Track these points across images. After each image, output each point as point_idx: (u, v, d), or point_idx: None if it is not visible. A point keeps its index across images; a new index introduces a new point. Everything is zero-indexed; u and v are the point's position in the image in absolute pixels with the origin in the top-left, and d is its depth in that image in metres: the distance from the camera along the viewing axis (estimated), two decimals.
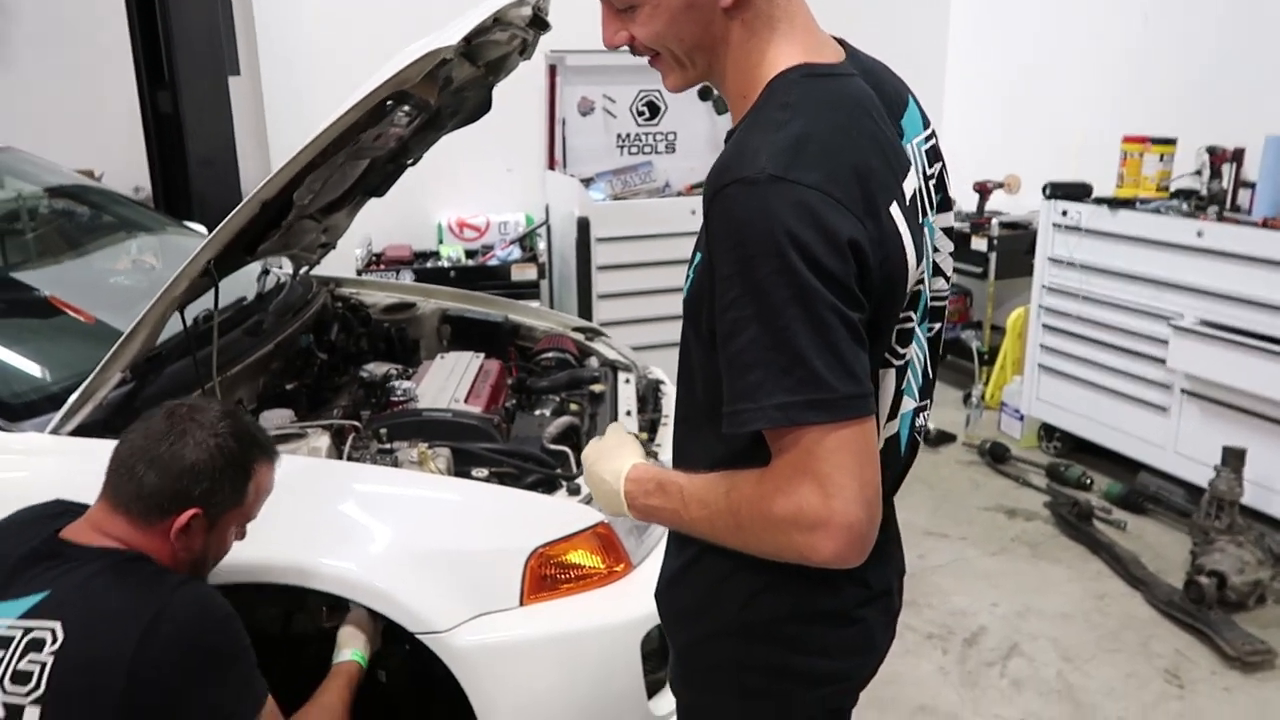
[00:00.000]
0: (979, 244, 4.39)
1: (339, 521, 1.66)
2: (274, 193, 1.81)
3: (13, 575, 1.33)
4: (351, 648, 1.63)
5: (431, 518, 1.72)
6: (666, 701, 1.86)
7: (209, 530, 1.42)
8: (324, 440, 1.86)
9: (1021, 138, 4.80)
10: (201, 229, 2.90)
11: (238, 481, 1.43)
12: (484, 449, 1.90)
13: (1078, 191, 3.76)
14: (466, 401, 2.12)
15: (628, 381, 2.51)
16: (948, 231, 1.17)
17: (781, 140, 0.91)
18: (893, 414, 1.08)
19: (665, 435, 2.23)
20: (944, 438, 4.15)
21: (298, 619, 1.82)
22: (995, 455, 3.92)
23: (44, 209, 2.88)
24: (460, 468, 1.87)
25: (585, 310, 4.16)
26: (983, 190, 4.63)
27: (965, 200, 4.77)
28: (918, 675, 2.60)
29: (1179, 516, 3.36)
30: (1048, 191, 3.81)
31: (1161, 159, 3.63)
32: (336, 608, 1.73)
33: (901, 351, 1.05)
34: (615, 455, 1.14)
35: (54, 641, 1.25)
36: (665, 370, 2.55)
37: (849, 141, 0.95)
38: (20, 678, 1.23)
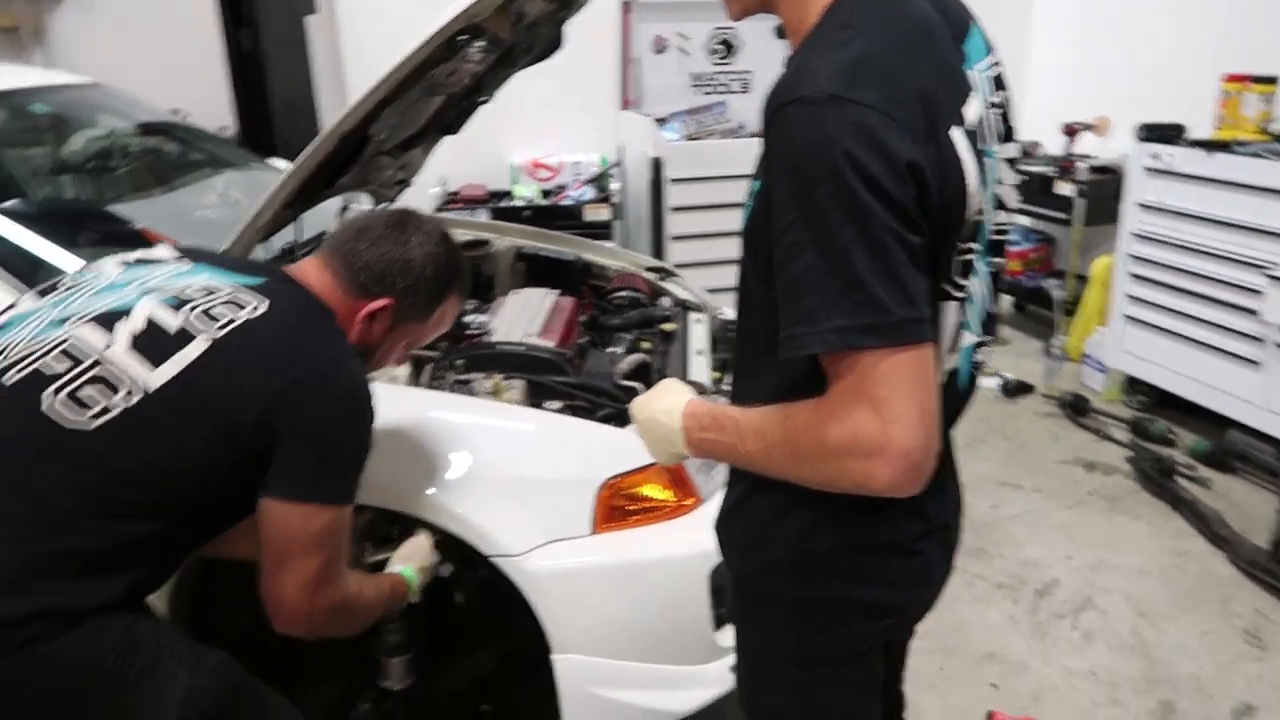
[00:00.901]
0: (1065, 189, 4.24)
1: (417, 446, 1.70)
2: (352, 125, 1.82)
3: (237, 263, 1.43)
4: (402, 564, 1.65)
5: (506, 446, 1.75)
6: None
7: (389, 330, 1.50)
8: (403, 369, 1.90)
9: (1113, 77, 4.59)
10: (284, 165, 2.96)
11: (433, 296, 1.52)
12: (557, 382, 1.93)
13: (1172, 134, 3.59)
14: (540, 336, 2.14)
15: (699, 321, 2.50)
16: (1010, 163, 1.14)
17: (841, 60, 0.89)
18: (953, 347, 1.06)
19: None
20: (1022, 388, 4.06)
21: None
22: (1075, 408, 3.83)
23: (135, 146, 2.97)
24: (533, 400, 1.90)
25: (658, 252, 4.14)
26: (1071, 132, 4.45)
27: (1052, 143, 4.60)
28: (986, 623, 2.58)
29: (1268, 476, 3.24)
30: (1140, 134, 3.65)
31: (1263, 99, 3.45)
32: (384, 542, 1.76)
33: (962, 283, 1.03)
34: (667, 395, 1.14)
35: (254, 310, 1.32)
36: None
37: (911, 63, 0.93)
38: (209, 317, 1.30)
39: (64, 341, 1.27)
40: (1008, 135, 1.12)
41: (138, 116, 2.92)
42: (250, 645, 1.51)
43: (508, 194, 4.47)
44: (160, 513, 1.26)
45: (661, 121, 4.51)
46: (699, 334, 2.41)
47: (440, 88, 2.07)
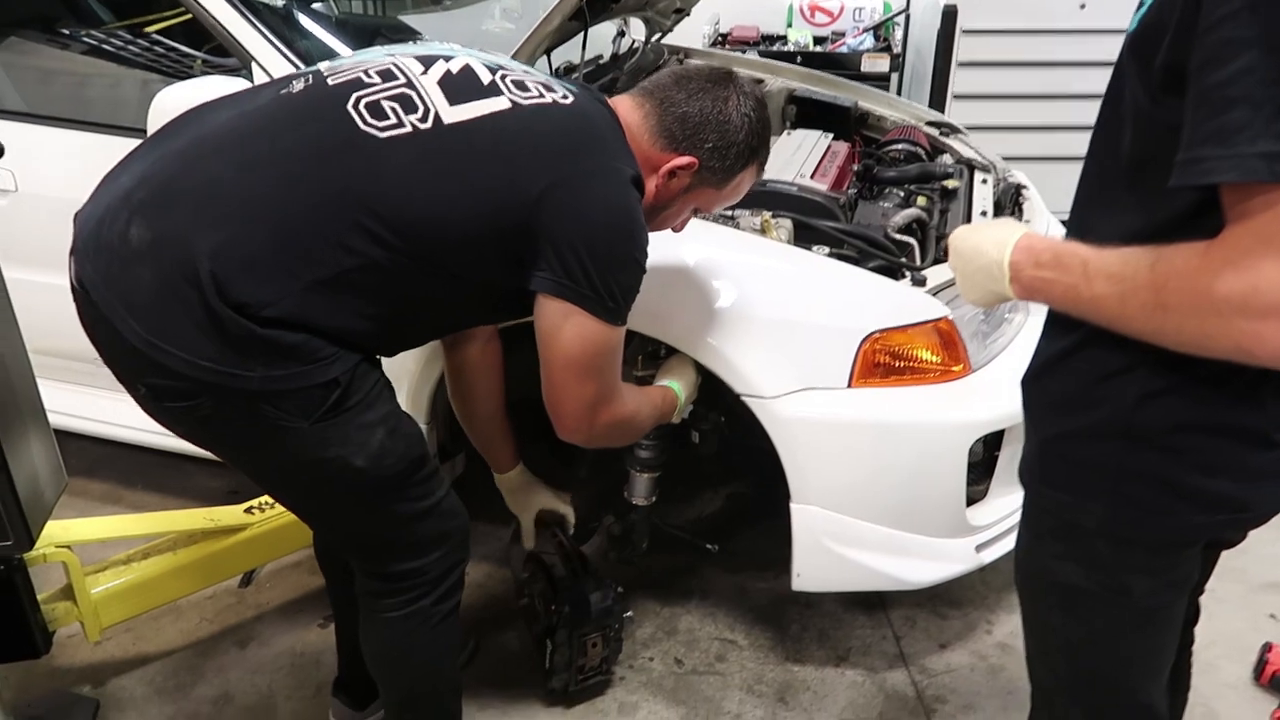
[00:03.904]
0: None
1: (682, 276, 1.66)
2: None
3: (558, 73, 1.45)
4: (670, 379, 1.67)
5: (769, 285, 1.68)
6: (985, 513, 1.78)
7: (685, 190, 1.44)
8: None
9: None
10: None
11: (736, 161, 1.43)
12: (828, 226, 1.81)
13: None
14: (812, 178, 2.02)
15: (984, 182, 2.28)
16: None
17: None
18: None
19: None
20: None
21: None
22: None
23: None
24: (800, 242, 1.80)
25: (939, 110, 3.82)
26: None
27: None
28: (1274, 551, 2.28)
29: None
30: None
31: None
32: (652, 359, 1.77)
33: None
34: (999, 226, 1.00)
35: (562, 98, 1.32)
36: (1031, 178, 2.30)
37: None
38: (520, 87, 1.31)
39: (386, 64, 1.33)
40: None
41: None
42: None
43: (781, 38, 4.25)
44: (413, 254, 1.26)
45: None
46: (984, 195, 2.20)
47: None
